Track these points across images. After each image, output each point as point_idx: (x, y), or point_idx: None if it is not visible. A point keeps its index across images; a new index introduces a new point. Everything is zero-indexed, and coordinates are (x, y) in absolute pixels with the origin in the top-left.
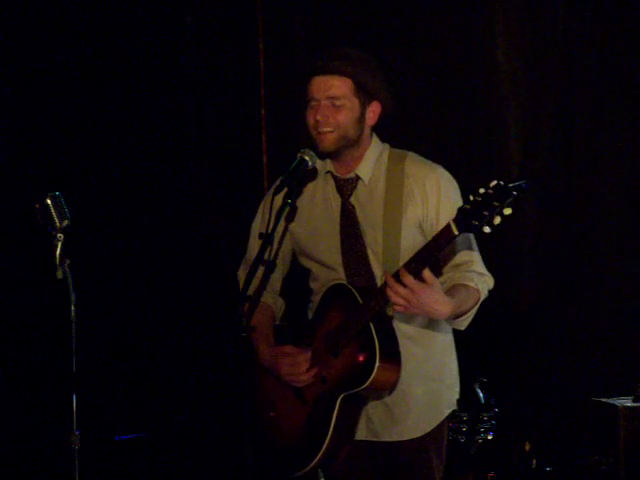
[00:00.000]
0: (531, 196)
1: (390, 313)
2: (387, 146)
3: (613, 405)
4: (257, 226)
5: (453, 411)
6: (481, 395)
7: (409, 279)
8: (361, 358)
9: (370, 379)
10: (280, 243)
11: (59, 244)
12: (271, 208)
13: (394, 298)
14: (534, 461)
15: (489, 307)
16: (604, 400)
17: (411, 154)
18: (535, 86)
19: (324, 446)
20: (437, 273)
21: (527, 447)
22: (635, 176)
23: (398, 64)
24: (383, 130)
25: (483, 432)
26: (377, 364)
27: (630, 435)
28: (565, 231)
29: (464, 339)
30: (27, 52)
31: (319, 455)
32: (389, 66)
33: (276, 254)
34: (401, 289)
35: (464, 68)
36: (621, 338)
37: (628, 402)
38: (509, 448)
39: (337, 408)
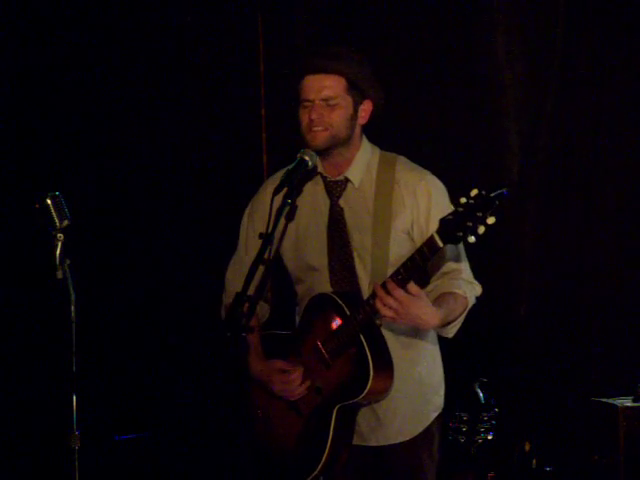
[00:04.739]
0: (531, 196)
1: (378, 322)
2: (377, 149)
3: (613, 405)
4: (245, 227)
5: (453, 411)
6: (481, 395)
7: (398, 292)
8: (355, 369)
9: (366, 390)
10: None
11: (59, 244)
12: (271, 208)
13: (383, 310)
14: (534, 461)
15: (489, 307)
16: (604, 400)
17: (401, 159)
18: (535, 86)
19: (324, 457)
20: (425, 281)
21: (527, 447)
22: (635, 177)
23: (397, 65)
24: (381, 132)
25: (483, 432)
26: (371, 374)
27: (630, 435)
28: (565, 231)
29: (464, 339)
30: (27, 51)
31: (319, 466)
32: (389, 67)
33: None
34: (390, 301)
35: (464, 68)
36: (621, 338)
37: (628, 402)
38: (509, 448)
39: (334, 419)
